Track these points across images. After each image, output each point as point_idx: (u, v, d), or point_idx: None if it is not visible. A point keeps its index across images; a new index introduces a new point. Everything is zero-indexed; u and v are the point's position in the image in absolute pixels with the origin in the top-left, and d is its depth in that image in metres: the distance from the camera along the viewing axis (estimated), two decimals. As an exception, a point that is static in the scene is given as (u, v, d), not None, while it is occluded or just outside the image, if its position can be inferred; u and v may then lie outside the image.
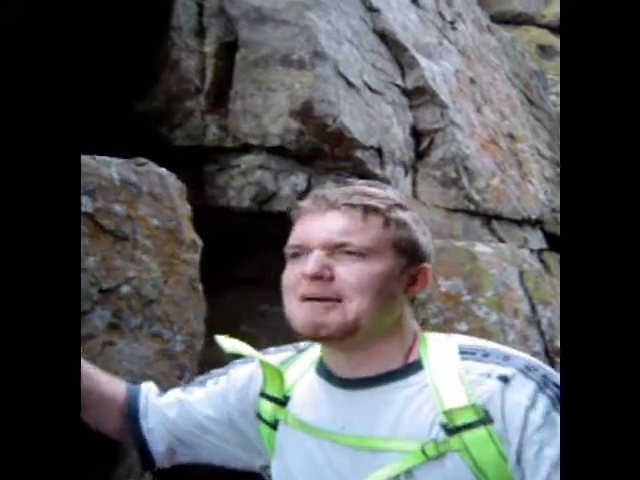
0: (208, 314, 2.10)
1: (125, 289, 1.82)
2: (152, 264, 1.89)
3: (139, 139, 2.48)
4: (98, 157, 1.87)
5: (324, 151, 2.70)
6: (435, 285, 2.72)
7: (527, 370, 1.03)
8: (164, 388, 1.35)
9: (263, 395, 1.21)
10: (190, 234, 2.04)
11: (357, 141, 2.74)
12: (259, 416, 1.21)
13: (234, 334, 1.22)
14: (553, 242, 4.05)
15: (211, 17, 2.85)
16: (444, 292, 2.77)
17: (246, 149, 2.68)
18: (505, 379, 1.02)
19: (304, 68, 2.70)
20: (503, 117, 4.41)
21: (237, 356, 1.23)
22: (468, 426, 1.00)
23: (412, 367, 1.09)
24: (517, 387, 1.01)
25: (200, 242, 2.09)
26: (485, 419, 1.00)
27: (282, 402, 1.18)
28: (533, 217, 4.05)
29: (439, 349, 1.10)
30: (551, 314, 2.96)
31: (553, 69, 6.25)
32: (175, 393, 1.30)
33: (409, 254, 1.09)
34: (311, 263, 1.05)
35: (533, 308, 2.93)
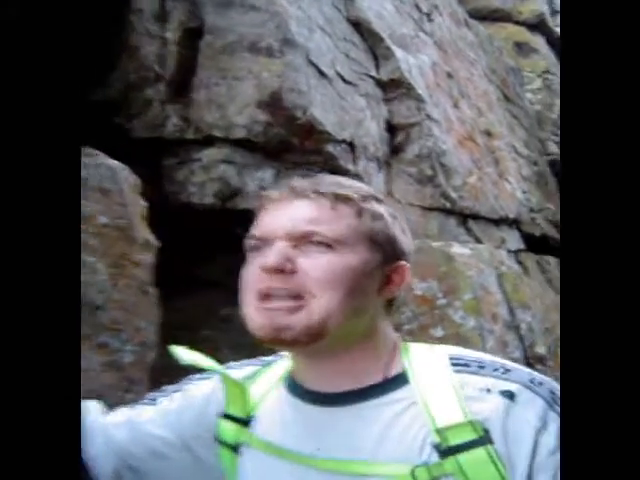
0: (166, 318, 1.97)
1: (68, 294, 1.67)
2: (99, 266, 1.75)
3: (94, 129, 2.31)
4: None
5: (293, 144, 2.57)
6: (409, 288, 2.58)
7: (532, 385, 0.92)
8: (110, 405, 1.18)
9: (225, 416, 1.06)
10: (143, 233, 1.92)
11: (328, 134, 2.62)
12: (219, 440, 1.07)
13: (194, 339, 1.08)
14: (530, 243, 3.97)
15: (174, 1, 2.69)
16: (419, 295, 2.63)
17: (209, 141, 2.54)
18: (510, 395, 0.90)
19: (273, 56, 2.56)
20: (480, 113, 4.31)
21: (196, 368, 1.07)
22: (464, 446, 0.88)
23: (395, 381, 0.97)
24: (524, 404, 0.90)
25: (155, 242, 1.96)
26: (485, 438, 0.88)
27: (246, 422, 1.04)
28: (510, 216, 3.96)
29: (426, 361, 0.98)
30: (530, 318, 2.84)
31: (529, 66, 6.22)
32: (123, 412, 1.14)
33: (385, 250, 0.98)
34: (271, 255, 0.92)
35: (512, 312, 2.80)
